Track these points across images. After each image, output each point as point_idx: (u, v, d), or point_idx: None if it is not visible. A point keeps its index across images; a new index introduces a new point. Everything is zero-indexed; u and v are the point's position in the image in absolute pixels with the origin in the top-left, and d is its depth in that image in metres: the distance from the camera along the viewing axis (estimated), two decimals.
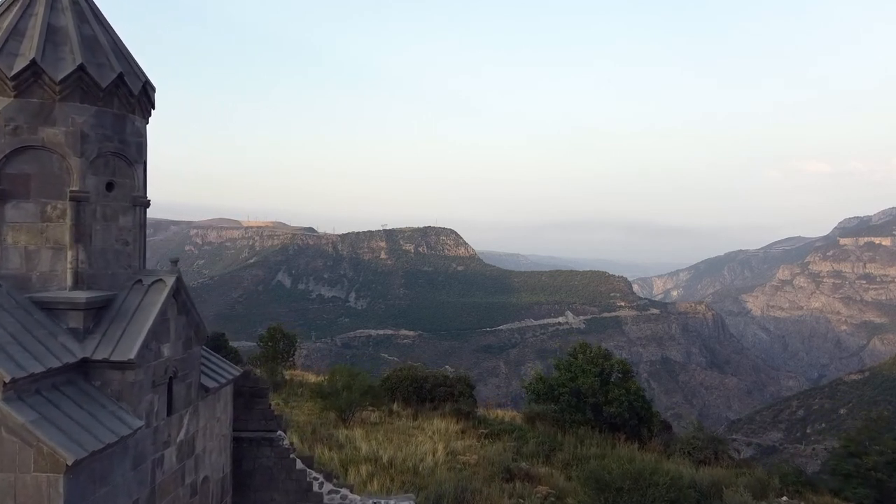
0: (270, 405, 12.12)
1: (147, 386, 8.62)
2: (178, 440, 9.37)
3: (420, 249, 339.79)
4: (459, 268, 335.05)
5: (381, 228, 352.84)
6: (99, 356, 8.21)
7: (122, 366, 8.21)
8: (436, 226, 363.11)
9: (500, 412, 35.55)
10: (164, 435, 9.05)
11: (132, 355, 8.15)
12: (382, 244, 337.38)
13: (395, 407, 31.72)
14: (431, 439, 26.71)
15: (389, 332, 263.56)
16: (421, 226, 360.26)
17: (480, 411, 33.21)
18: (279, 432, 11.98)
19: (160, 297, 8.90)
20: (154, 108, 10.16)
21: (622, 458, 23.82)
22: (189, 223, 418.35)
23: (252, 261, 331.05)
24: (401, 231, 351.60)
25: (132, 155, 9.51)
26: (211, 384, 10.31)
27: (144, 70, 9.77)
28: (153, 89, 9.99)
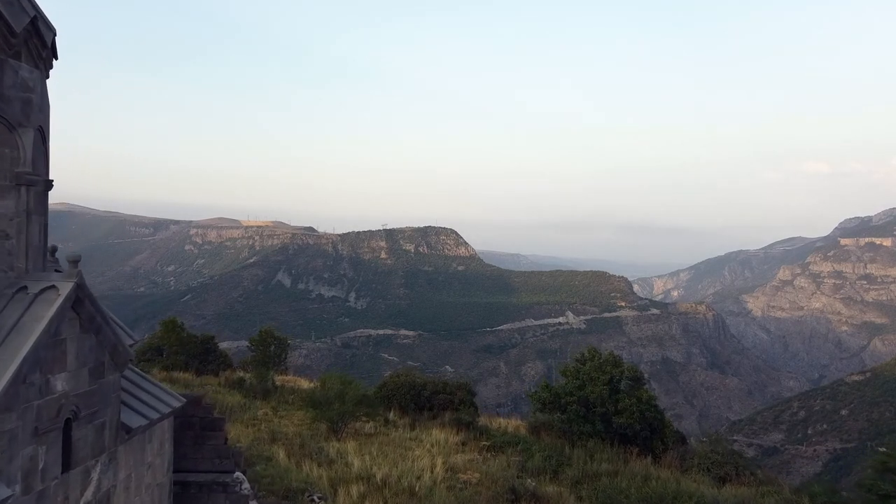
0: (226, 439, 9.72)
1: (25, 435, 6.19)
2: (81, 502, 6.99)
3: (420, 249, 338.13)
4: (459, 268, 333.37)
5: (381, 228, 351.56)
6: None
7: None
8: (436, 225, 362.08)
9: (502, 421, 33.65)
10: (57, 499, 6.64)
11: None
12: (382, 244, 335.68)
13: (391, 416, 29.88)
14: (430, 453, 25.02)
15: (389, 332, 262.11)
16: (421, 225, 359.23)
17: (482, 420, 31.28)
18: (236, 474, 9.58)
19: (49, 310, 6.43)
20: (56, 58, 7.63)
21: (637, 475, 22.13)
22: (189, 222, 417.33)
23: (252, 260, 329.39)
24: (401, 231, 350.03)
25: (14, 115, 6.99)
26: (137, 422, 7.84)
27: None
28: (52, 31, 7.44)
